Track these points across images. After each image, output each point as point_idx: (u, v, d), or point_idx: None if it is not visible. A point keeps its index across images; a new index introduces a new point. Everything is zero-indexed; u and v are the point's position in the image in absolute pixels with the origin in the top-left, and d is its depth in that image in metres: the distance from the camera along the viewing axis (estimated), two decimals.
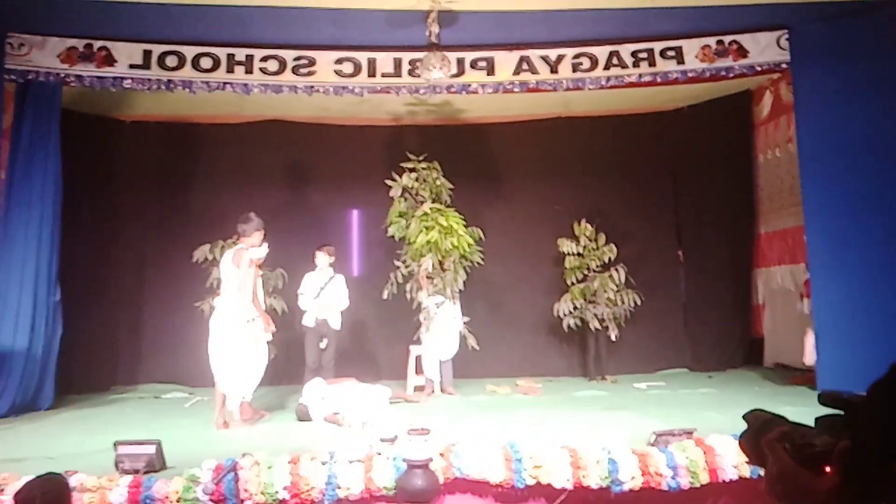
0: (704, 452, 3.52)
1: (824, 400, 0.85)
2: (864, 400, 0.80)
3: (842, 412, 0.81)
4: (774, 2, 6.07)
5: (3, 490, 3.19)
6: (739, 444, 0.95)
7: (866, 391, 0.79)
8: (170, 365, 7.70)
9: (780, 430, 0.83)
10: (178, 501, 3.23)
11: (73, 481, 2.80)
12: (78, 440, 4.72)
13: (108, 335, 7.69)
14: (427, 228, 6.57)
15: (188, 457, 3.75)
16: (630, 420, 4.93)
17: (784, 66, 6.59)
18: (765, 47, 6.57)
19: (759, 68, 6.67)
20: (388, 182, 6.91)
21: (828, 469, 0.75)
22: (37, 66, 6.23)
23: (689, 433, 3.77)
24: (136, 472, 3.42)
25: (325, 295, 6.53)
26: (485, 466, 3.45)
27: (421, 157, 6.92)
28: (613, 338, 7.44)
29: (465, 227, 6.76)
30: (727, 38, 6.59)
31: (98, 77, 6.31)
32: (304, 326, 6.55)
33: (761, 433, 0.86)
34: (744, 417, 0.94)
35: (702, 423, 4.12)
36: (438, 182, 6.93)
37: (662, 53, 6.63)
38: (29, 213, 6.18)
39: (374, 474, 3.37)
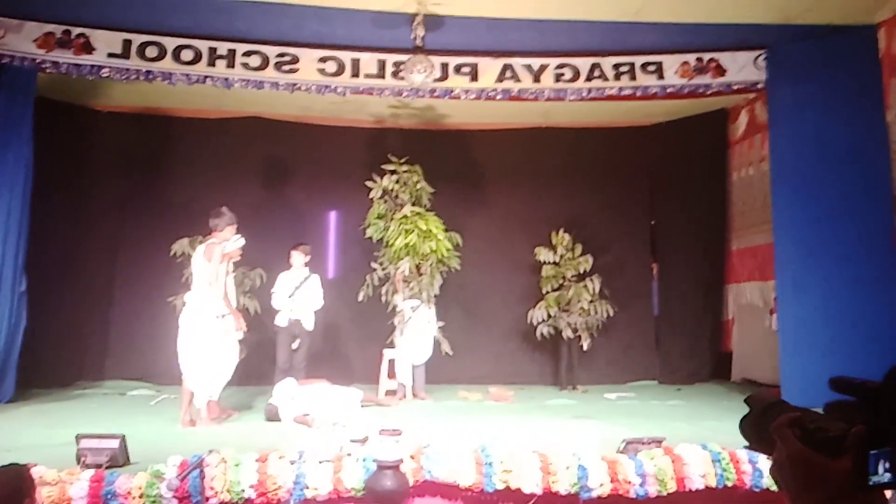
0: (673, 461, 3.55)
1: (836, 386, 0.84)
2: (879, 385, 0.79)
3: (853, 398, 0.81)
4: (754, 22, 6.20)
5: None
6: (741, 428, 0.91)
7: (883, 376, 0.79)
8: (137, 361, 7.56)
9: (790, 416, 0.81)
10: (140, 497, 3.16)
11: (32, 474, 2.71)
12: (38, 433, 4.60)
13: (75, 328, 7.52)
14: (406, 231, 6.56)
15: (153, 453, 3.67)
16: (600, 429, 4.96)
17: (760, 86, 6.72)
18: (742, 66, 6.70)
19: (736, 87, 6.79)
20: (369, 183, 6.89)
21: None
22: (12, 51, 6.08)
23: (658, 442, 3.81)
24: (99, 466, 3.34)
25: (299, 294, 6.47)
26: (455, 469, 3.44)
27: (402, 160, 6.91)
28: (586, 347, 7.50)
29: (445, 231, 6.76)
30: (706, 56, 6.70)
31: (75, 64, 6.18)
32: (276, 326, 6.48)
33: (768, 417, 0.84)
34: (746, 401, 0.91)
35: (670, 433, 4.16)
36: (419, 185, 6.93)
37: (643, 67, 6.72)
38: None
39: (343, 475, 3.33)
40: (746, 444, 0.90)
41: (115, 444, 3.44)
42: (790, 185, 6.43)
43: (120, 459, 3.43)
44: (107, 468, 3.32)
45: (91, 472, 3.25)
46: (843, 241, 6.18)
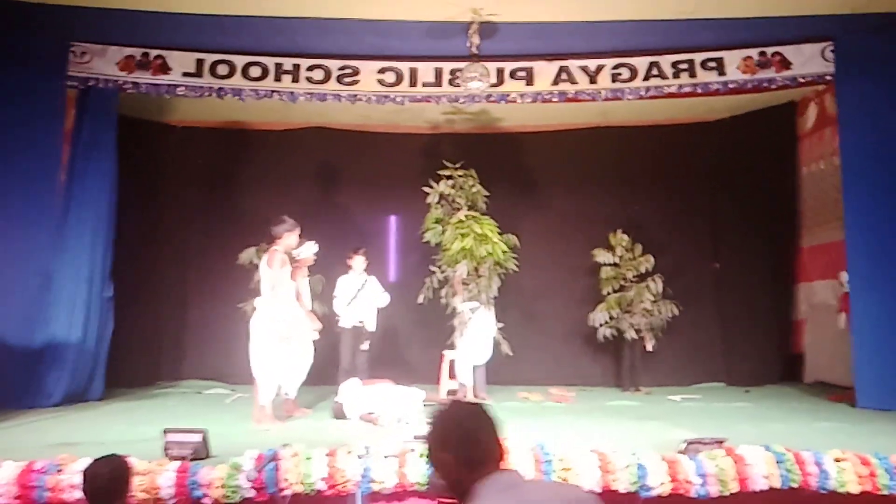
0: (734, 462, 3.52)
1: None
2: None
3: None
4: (819, 13, 6.03)
5: (61, 470, 3.41)
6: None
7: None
8: (212, 362, 7.96)
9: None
10: (221, 487, 3.39)
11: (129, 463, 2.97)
12: (126, 429, 4.96)
13: (154, 332, 8.00)
14: (462, 235, 6.67)
15: (231, 447, 3.91)
16: (661, 429, 4.93)
17: (829, 77, 6.51)
18: (808, 59, 6.51)
19: (802, 80, 6.61)
20: (426, 189, 7.04)
21: None
22: (97, 74, 6.57)
23: (719, 442, 3.78)
24: (184, 458, 3.59)
25: (361, 297, 6.69)
26: (514, 466, 3.52)
27: (458, 165, 7.04)
28: (650, 348, 7.42)
29: (500, 234, 6.84)
30: (770, 50, 6.55)
31: (153, 84, 6.62)
32: (340, 328, 6.71)
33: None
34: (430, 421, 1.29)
35: (734, 434, 4.10)
36: (474, 189, 7.04)
37: (703, 64, 6.63)
38: (86, 213, 6.51)
39: (408, 469, 3.47)
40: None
41: (198, 438, 3.69)
42: (862, 180, 6.21)
43: (202, 452, 3.67)
44: (191, 460, 3.57)
45: (177, 463, 3.51)
46: None
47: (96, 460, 2.55)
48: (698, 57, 6.62)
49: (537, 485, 1.86)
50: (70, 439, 4.44)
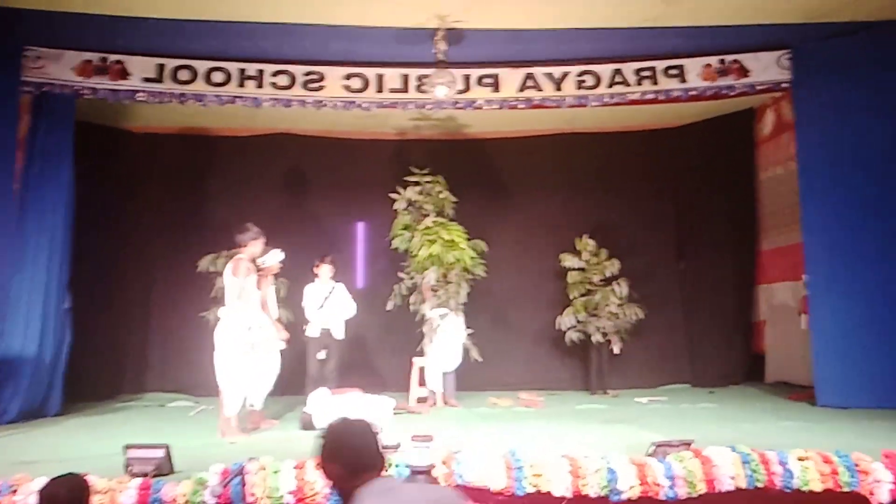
0: (702, 463, 3.57)
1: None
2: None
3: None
4: (775, 22, 6.19)
5: (15, 490, 3.27)
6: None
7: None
8: (175, 374, 7.79)
9: None
10: (186, 503, 3.30)
11: (87, 482, 2.87)
12: (86, 444, 4.80)
13: (115, 343, 7.79)
14: (430, 242, 6.67)
15: (195, 462, 3.81)
16: (630, 432, 4.98)
17: (785, 85, 6.70)
18: (766, 66, 6.68)
19: (760, 87, 6.78)
20: (393, 195, 7.02)
21: None
22: (52, 79, 6.39)
23: (686, 444, 3.82)
24: (146, 474, 3.48)
25: (328, 305, 6.62)
26: (486, 474, 3.50)
27: (425, 171, 7.03)
28: (617, 351, 7.51)
29: (468, 240, 6.85)
30: (729, 58, 6.71)
31: (112, 90, 6.46)
32: (306, 337, 6.63)
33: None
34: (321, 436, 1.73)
35: (701, 435, 4.16)
36: (442, 195, 7.05)
37: (665, 72, 6.75)
38: (42, 222, 6.31)
39: None
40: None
41: (160, 453, 3.59)
42: (818, 184, 6.39)
43: (165, 468, 3.57)
44: (153, 476, 3.47)
45: (139, 480, 3.40)
46: (874, 240, 6.13)
47: (53, 479, 2.46)
48: (660, 64, 6.75)
49: (409, 487, 2.18)
50: (25, 457, 4.27)
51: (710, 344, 8.12)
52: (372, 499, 1.83)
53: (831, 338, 6.14)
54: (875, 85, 6.18)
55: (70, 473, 2.49)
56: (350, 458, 1.94)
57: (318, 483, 3.41)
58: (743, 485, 3.53)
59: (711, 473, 3.54)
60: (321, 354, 6.54)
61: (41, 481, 3.14)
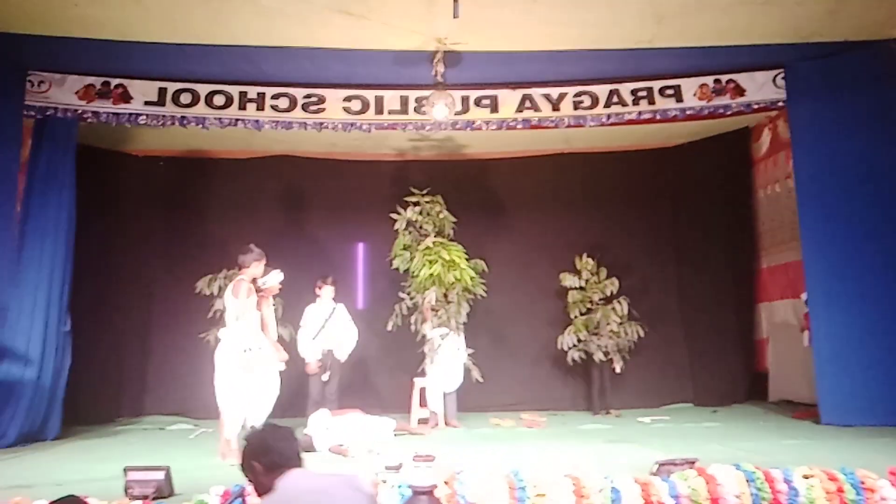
0: (706, 482, 3.54)
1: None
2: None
3: None
4: (770, 42, 6.27)
5: None
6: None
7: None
8: (174, 397, 7.75)
9: None
10: None
11: None
12: (86, 468, 4.76)
13: (114, 366, 7.76)
14: (430, 262, 6.68)
15: (196, 484, 3.78)
16: (633, 451, 4.95)
17: (781, 103, 6.76)
18: (761, 86, 6.76)
19: (756, 106, 6.84)
20: (393, 215, 7.05)
21: None
22: (55, 103, 6.45)
23: (690, 463, 3.80)
24: (146, 497, 3.46)
25: (330, 326, 6.61)
26: (488, 494, 3.48)
27: (424, 191, 7.07)
28: (618, 370, 7.47)
29: (468, 260, 6.86)
30: (724, 77, 6.79)
31: (114, 113, 6.52)
32: (305, 360, 6.59)
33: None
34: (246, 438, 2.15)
35: (705, 454, 4.14)
36: (442, 215, 7.07)
37: (661, 92, 6.83)
38: (43, 245, 6.31)
39: (380, 501, 3.40)
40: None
41: (160, 475, 3.56)
42: (816, 202, 6.42)
43: (165, 490, 3.54)
44: (154, 499, 3.44)
45: (139, 503, 3.38)
46: (873, 257, 6.15)
47: (54, 502, 2.44)
48: (657, 84, 6.82)
49: (319, 474, 2.44)
50: (25, 481, 4.23)
51: (711, 363, 8.09)
52: (286, 485, 2.19)
53: (833, 355, 6.12)
54: (870, 102, 6.25)
55: (71, 495, 2.48)
56: (270, 457, 2.29)
57: None
58: (748, 503, 3.50)
59: (716, 492, 3.51)
60: (325, 376, 6.52)
61: None
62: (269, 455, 2.29)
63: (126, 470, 3.61)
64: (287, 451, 2.32)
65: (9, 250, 6.13)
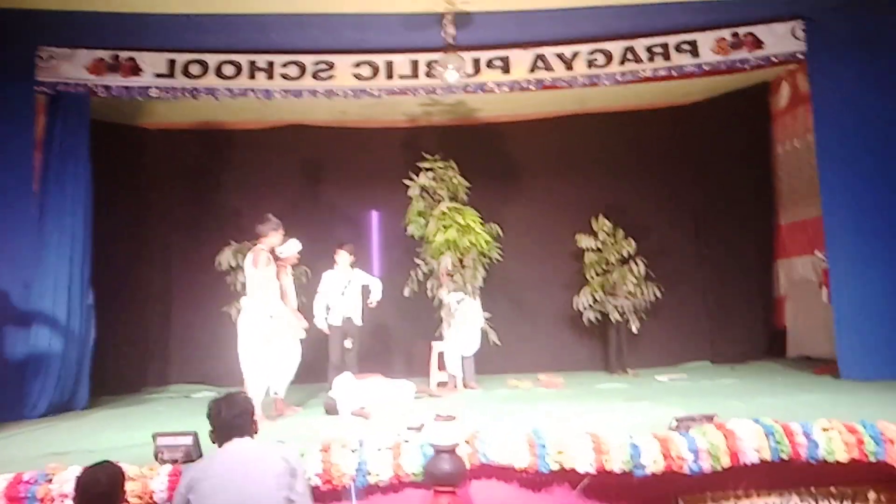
0: (725, 436, 3.56)
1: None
2: None
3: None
4: None
5: (50, 479, 3.36)
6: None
7: None
8: (199, 366, 7.89)
9: None
10: None
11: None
12: (115, 436, 4.89)
13: (139, 337, 7.91)
14: (445, 227, 6.67)
15: None
16: (651, 409, 4.99)
17: (800, 56, 6.59)
18: (780, 38, 6.58)
19: (775, 59, 6.68)
20: (406, 182, 7.03)
21: None
22: (66, 78, 6.46)
23: (709, 418, 3.82)
24: (175, 461, 3.55)
25: (349, 292, 6.67)
26: (509, 452, 3.53)
27: (437, 157, 7.03)
28: (635, 330, 7.49)
29: (482, 224, 6.85)
30: (742, 30, 6.62)
31: (125, 87, 6.53)
32: (328, 325, 6.69)
33: None
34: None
35: (723, 411, 4.15)
36: (455, 181, 7.04)
37: (677, 47, 6.68)
38: (62, 221, 6.40)
39: (403, 460, 3.47)
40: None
41: (189, 440, 3.65)
42: (836, 157, 6.31)
43: (194, 455, 3.63)
44: (182, 463, 3.54)
45: (169, 467, 3.48)
46: (894, 213, 6.04)
47: (90, 467, 2.52)
48: (672, 40, 6.67)
49: (254, 446, 2.74)
50: (58, 449, 4.37)
51: (729, 320, 8.06)
52: (223, 449, 2.62)
53: (852, 311, 6.08)
54: (892, 56, 6.06)
55: (106, 461, 2.56)
56: (223, 421, 2.64)
57: (344, 465, 3.46)
58: (767, 457, 3.53)
59: (735, 446, 3.53)
60: (348, 343, 6.61)
61: (75, 470, 3.22)
62: (224, 420, 2.65)
63: (155, 436, 3.70)
64: (243, 419, 2.66)
65: (29, 227, 6.22)
